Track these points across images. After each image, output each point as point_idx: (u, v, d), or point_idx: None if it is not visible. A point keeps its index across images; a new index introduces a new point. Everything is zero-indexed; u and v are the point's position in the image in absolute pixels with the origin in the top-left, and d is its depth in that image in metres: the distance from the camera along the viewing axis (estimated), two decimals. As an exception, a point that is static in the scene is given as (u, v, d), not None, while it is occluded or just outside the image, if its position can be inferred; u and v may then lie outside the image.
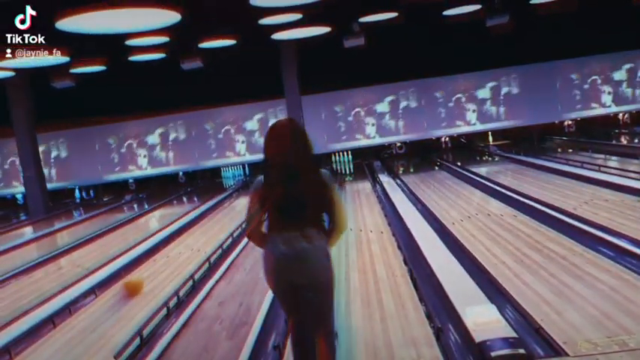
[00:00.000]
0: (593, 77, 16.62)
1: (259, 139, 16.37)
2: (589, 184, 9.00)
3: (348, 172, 16.12)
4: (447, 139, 17.38)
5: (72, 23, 6.94)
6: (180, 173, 17.48)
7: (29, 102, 14.86)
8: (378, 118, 16.80)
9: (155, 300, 5.81)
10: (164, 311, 5.49)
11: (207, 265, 7.13)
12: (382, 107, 16.80)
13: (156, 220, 12.02)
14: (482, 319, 4.12)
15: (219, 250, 7.84)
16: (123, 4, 6.62)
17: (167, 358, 4.43)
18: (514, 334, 3.89)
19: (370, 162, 16.38)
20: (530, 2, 12.25)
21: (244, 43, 11.96)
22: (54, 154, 17.24)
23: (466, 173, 12.03)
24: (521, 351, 3.66)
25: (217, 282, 6.36)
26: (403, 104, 16.78)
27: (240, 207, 11.66)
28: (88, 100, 15.43)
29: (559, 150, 14.79)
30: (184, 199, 14.94)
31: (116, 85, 14.58)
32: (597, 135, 15.37)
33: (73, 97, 14.52)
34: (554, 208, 7.61)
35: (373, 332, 4.33)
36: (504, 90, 16.67)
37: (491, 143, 17.45)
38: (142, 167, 17.26)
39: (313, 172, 3.17)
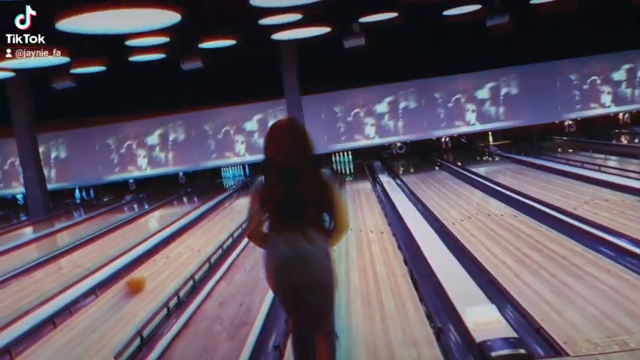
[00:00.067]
0: (593, 77, 16.63)
1: (259, 140, 16.38)
2: (589, 184, 9.00)
3: (348, 172, 16.12)
4: (447, 139, 17.37)
5: (72, 23, 6.93)
6: (181, 174, 17.49)
7: (29, 102, 14.86)
8: (377, 119, 16.80)
9: (155, 300, 5.82)
10: (164, 311, 5.49)
11: (207, 265, 7.13)
12: (382, 107, 16.80)
13: (156, 221, 12.01)
14: (483, 319, 4.13)
15: (220, 251, 7.84)
16: (124, 3, 6.62)
17: (167, 359, 4.43)
18: (514, 334, 3.89)
19: (370, 162, 16.38)
20: (530, 2, 12.26)
21: (244, 44, 11.97)
22: (54, 154, 17.24)
23: (466, 173, 12.03)
24: (522, 351, 3.67)
25: (218, 282, 6.36)
26: (403, 104, 16.79)
27: (240, 207, 11.66)
28: (88, 101, 15.45)
29: (559, 150, 14.78)
30: (184, 199, 14.94)
31: (116, 85, 14.58)
32: (597, 135, 15.37)
33: (73, 98, 14.52)
34: (554, 208, 7.61)
35: (373, 332, 4.33)
36: (504, 90, 16.67)
37: (491, 143, 17.44)
38: (142, 168, 17.27)
39: (314, 172, 3.16)
